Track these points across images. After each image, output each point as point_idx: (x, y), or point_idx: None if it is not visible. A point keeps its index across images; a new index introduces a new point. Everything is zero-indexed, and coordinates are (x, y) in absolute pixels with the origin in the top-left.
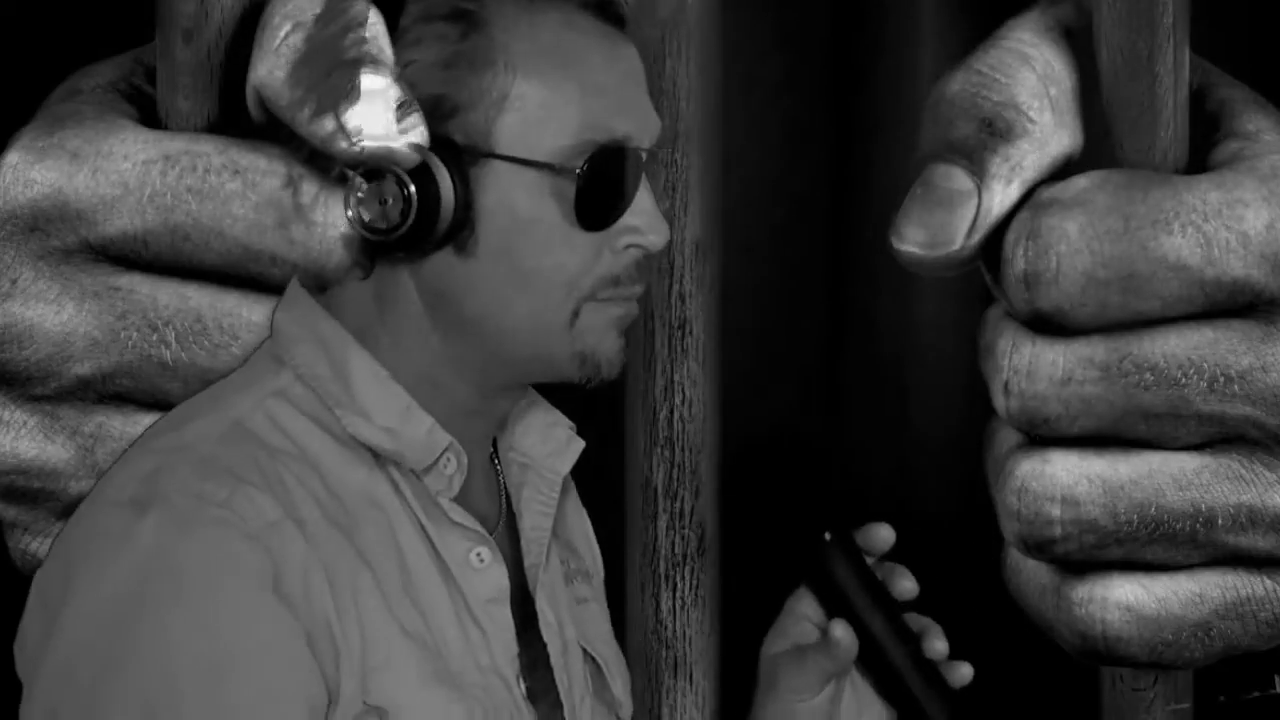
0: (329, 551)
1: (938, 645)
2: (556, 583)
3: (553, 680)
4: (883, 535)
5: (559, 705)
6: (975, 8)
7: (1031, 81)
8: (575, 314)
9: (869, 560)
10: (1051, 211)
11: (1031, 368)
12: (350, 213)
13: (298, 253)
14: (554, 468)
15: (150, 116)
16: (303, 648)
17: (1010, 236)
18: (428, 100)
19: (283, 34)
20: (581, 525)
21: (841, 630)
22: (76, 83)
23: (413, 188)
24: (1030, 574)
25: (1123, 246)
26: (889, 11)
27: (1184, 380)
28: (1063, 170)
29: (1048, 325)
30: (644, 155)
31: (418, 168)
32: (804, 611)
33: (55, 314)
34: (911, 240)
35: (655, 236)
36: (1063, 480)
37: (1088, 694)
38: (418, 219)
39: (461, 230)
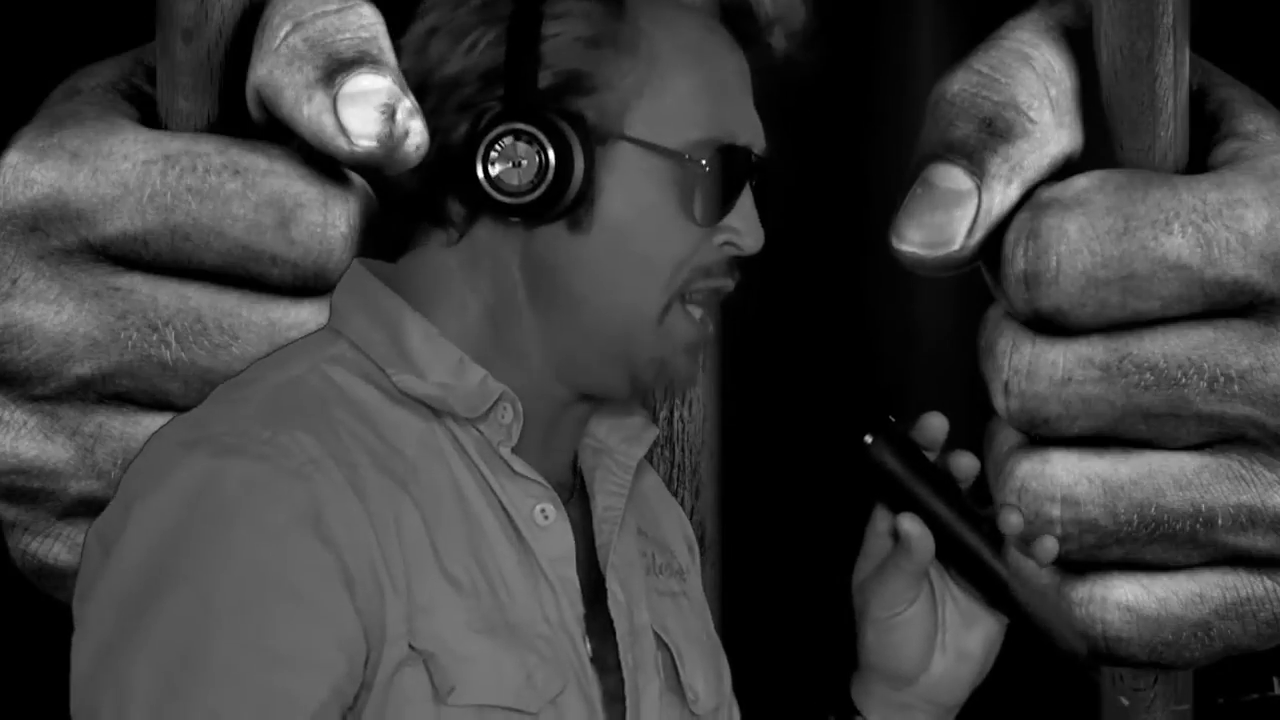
0: (376, 496)
1: (1012, 520)
2: (633, 568)
3: (620, 656)
4: (935, 424)
5: (624, 683)
6: (975, 8)
7: (1031, 81)
8: (666, 309)
9: (930, 455)
10: (1051, 211)
11: (1031, 368)
12: (480, 169)
13: (298, 253)
14: (627, 453)
15: (150, 116)
16: (339, 587)
17: (1010, 236)
18: (567, 74)
19: (283, 34)
20: (674, 521)
21: (909, 522)
22: (76, 83)
23: (551, 153)
24: (1030, 573)
25: (1123, 246)
26: (888, 11)
27: (1184, 380)
28: (1063, 170)
29: (1048, 325)
30: (756, 161)
31: (555, 137)
32: (878, 528)
33: (55, 314)
34: (912, 240)
35: (752, 240)
36: (1063, 480)
37: (1088, 694)
38: (549, 187)
39: (580, 206)
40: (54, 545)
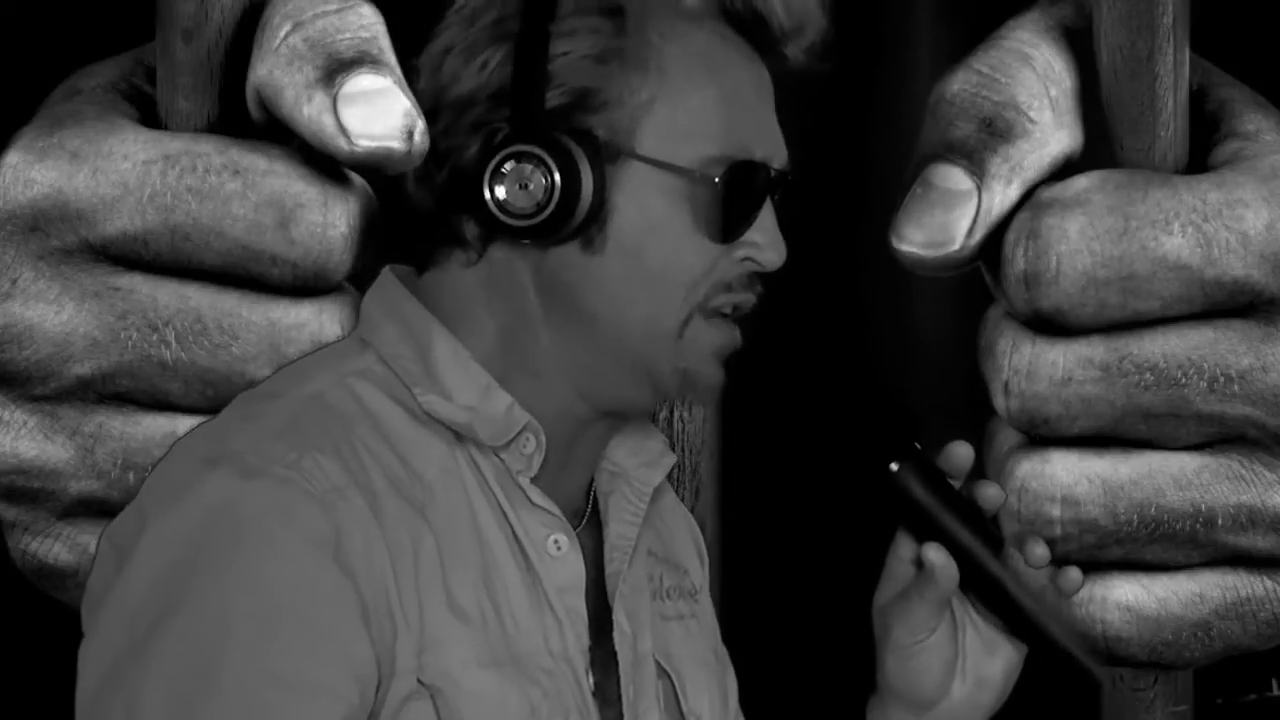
0: (395, 524)
1: (1037, 552)
2: (640, 595)
3: (621, 689)
4: (961, 453)
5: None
6: (975, 8)
7: (1031, 81)
8: (686, 322)
9: (954, 483)
10: (1051, 211)
11: (1031, 368)
12: (488, 192)
13: (298, 253)
14: (645, 479)
15: (150, 116)
16: (355, 616)
17: (1010, 236)
18: (576, 92)
19: (283, 34)
20: (686, 536)
21: (934, 551)
22: (76, 83)
23: (558, 175)
24: (1030, 574)
25: (1123, 246)
26: (887, 12)
27: (1184, 380)
28: (1063, 170)
29: (1048, 325)
30: (774, 175)
31: (561, 158)
32: (901, 554)
33: (55, 314)
34: (912, 240)
35: (774, 255)
36: (1063, 480)
37: (1088, 694)
38: (556, 209)
39: (592, 225)
40: (54, 545)
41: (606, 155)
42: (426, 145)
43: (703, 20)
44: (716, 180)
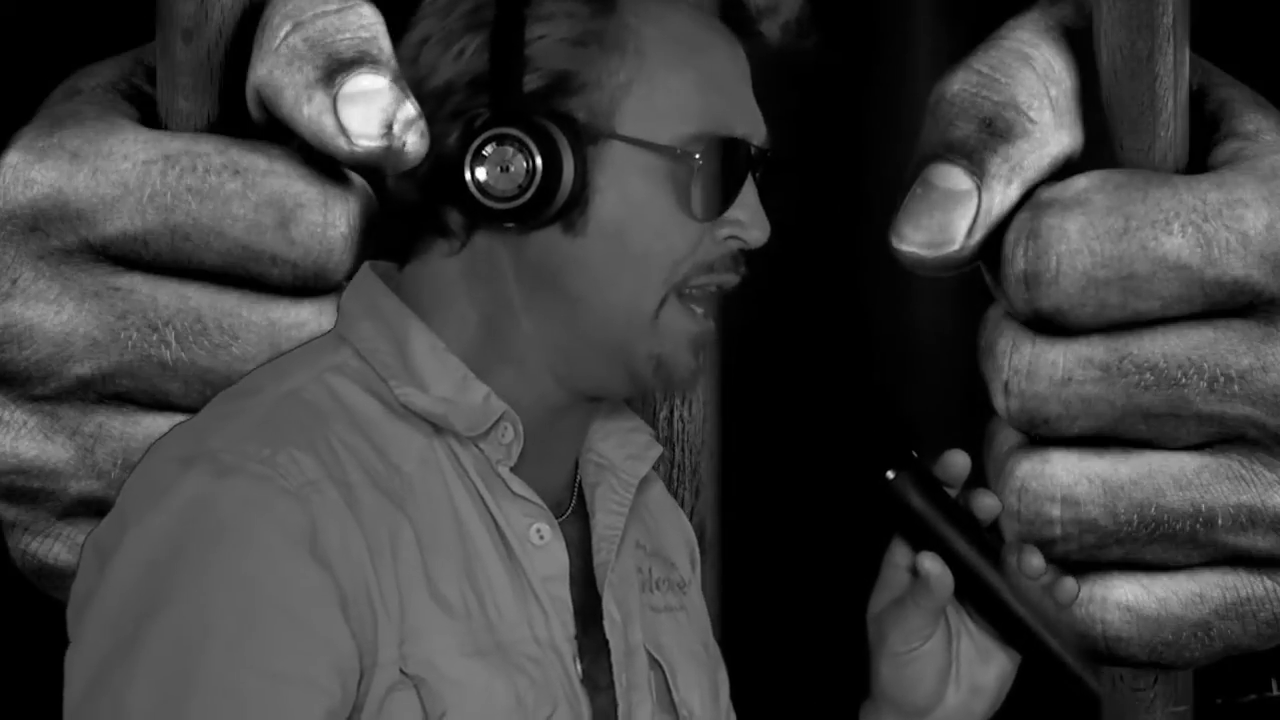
0: (372, 516)
1: (1033, 563)
2: (629, 586)
3: (613, 676)
4: (958, 462)
5: (616, 704)
6: (975, 8)
7: (1031, 81)
8: (662, 303)
9: (951, 491)
10: (1051, 211)
11: (1031, 368)
12: (469, 174)
13: (298, 253)
14: (631, 470)
15: (150, 116)
16: (334, 608)
17: (1010, 236)
18: (554, 75)
19: (283, 34)
20: (676, 531)
21: (930, 560)
22: (76, 83)
23: (539, 158)
24: (1027, 582)
25: (1123, 246)
26: (887, 11)
27: (1184, 380)
28: (1063, 170)
29: (1048, 325)
30: (754, 152)
31: (541, 140)
32: (897, 561)
33: (55, 314)
34: (912, 240)
35: (758, 232)
36: (1063, 480)
37: (1084, 703)
38: (538, 190)
39: (574, 208)
40: (54, 545)
41: (587, 137)
42: (425, 142)
43: (678, 2)
44: (697, 157)
